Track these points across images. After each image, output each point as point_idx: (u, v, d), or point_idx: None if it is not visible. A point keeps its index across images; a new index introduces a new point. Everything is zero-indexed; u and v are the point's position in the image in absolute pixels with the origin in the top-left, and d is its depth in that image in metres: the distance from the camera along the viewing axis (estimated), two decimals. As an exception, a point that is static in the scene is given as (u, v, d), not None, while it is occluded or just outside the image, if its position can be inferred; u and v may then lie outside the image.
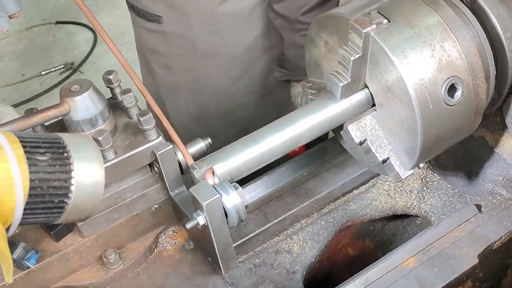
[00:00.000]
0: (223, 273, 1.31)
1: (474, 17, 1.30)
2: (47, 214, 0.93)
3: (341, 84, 1.27)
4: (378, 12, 1.21)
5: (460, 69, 1.23)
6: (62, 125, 1.35)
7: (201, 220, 1.20)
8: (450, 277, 1.38)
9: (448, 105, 1.24)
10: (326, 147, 1.74)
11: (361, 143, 1.34)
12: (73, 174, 0.93)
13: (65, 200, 0.93)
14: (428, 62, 1.21)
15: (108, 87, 1.38)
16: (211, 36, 2.01)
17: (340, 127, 1.37)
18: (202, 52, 2.05)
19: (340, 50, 1.24)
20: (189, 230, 1.40)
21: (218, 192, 1.18)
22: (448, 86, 1.22)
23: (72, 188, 0.93)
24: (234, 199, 1.18)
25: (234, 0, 1.96)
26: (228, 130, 2.17)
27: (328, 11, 1.34)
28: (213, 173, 1.22)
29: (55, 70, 4.66)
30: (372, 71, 1.26)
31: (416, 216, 1.77)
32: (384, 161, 1.35)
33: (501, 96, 1.37)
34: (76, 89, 1.26)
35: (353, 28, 1.20)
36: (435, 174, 1.73)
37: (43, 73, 4.63)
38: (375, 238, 1.87)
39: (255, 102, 2.17)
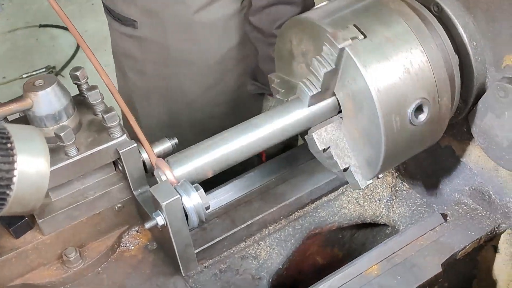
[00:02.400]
0: (183, 274, 1.29)
1: (441, 27, 1.31)
2: None
3: (310, 94, 1.28)
4: (354, 26, 1.21)
5: (428, 89, 1.24)
6: (27, 122, 1.33)
7: (160, 220, 1.19)
8: (413, 285, 1.38)
9: (413, 124, 1.25)
10: (297, 153, 1.74)
11: (324, 150, 1.34)
12: (16, 165, 0.91)
13: (7, 192, 0.92)
14: (399, 82, 1.22)
15: (75, 83, 1.37)
16: (186, 44, 2.01)
17: (306, 131, 1.37)
18: (176, 59, 2.04)
19: (313, 60, 1.24)
20: (152, 231, 1.39)
21: (178, 192, 1.17)
22: (415, 108, 1.23)
23: (15, 179, 0.91)
24: (195, 200, 1.18)
25: (210, 10, 1.95)
26: (199, 139, 2.16)
27: (305, 15, 1.33)
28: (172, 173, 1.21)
29: (36, 74, 4.63)
30: (342, 82, 1.27)
31: (386, 225, 1.77)
32: (345, 170, 1.35)
33: (467, 105, 1.37)
34: (40, 84, 1.25)
35: (329, 41, 1.21)
36: (404, 183, 1.73)
37: (24, 76, 4.60)
38: (344, 247, 1.87)
39: (227, 113, 2.17)
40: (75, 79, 1.35)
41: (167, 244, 1.25)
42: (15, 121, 1.36)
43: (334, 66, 1.23)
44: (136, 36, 2.04)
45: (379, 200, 1.72)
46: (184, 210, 1.18)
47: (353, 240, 1.87)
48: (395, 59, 1.22)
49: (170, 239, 1.22)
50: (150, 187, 1.23)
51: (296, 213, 1.67)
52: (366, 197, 1.72)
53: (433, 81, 1.24)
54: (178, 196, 1.17)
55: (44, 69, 4.64)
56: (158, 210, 1.19)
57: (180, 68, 2.04)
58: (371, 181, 1.35)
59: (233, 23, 2.01)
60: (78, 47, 4.79)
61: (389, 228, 1.78)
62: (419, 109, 1.25)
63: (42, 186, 0.96)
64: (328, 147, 1.34)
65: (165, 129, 2.18)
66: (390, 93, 1.21)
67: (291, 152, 1.76)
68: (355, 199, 1.72)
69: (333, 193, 1.71)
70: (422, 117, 1.25)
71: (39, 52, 4.90)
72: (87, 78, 1.36)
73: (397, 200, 1.72)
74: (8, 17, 5.14)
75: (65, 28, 5.01)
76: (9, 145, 0.92)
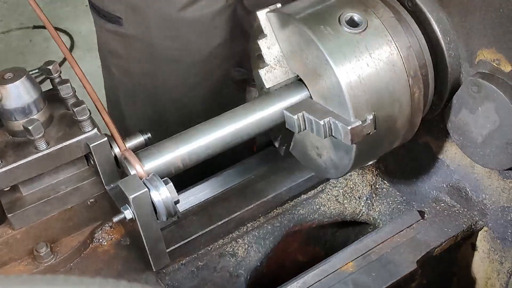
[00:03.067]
0: (154, 269, 1.28)
1: (414, 21, 1.30)
2: None
3: (260, 72, 1.28)
4: None
5: (401, 88, 1.23)
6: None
7: (128, 214, 1.17)
8: (387, 281, 1.37)
9: None
10: (276, 151, 1.73)
11: (299, 121, 1.28)
12: None
13: None
14: (373, 81, 1.21)
15: (47, 77, 1.36)
16: (171, 41, 1.99)
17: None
18: (161, 57, 2.03)
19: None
20: (125, 226, 1.38)
21: (146, 186, 1.16)
22: None
23: None
24: (163, 194, 1.16)
25: (195, 7, 1.94)
26: None
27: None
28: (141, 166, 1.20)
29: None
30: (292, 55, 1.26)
31: (368, 224, 1.76)
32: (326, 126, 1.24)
33: (442, 101, 1.37)
34: (9, 77, 1.24)
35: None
36: (385, 181, 1.72)
37: (18, 76, 4.60)
38: (325, 245, 1.86)
39: (215, 110, 2.15)
40: (47, 73, 1.34)
41: (138, 239, 1.24)
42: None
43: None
44: (121, 33, 2.03)
45: (359, 198, 1.71)
46: (153, 204, 1.17)
47: (335, 238, 1.86)
48: (367, 57, 1.21)
49: (139, 233, 1.21)
50: None
51: (275, 210, 1.66)
52: (346, 195, 1.71)
53: (406, 79, 1.23)
54: (146, 189, 1.16)
55: (37, 70, 4.64)
56: (126, 204, 1.18)
57: (165, 66, 2.03)
58: (359, 122, 1.22)
59: (218, 21, 2.00)
60: (71, 48, 4.79)
61: (371, 227, 1.77)
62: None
63: None
64: (302, 114, 1.28)
65: (152, 126, 2.17)
66: (360, 89, 1.20)
67: (269, 149, 1.75)
68: (335, 196, 1.71)
69: (312, 191, 1.70)
70: None
71: (32, 53, 4.90)
72: (60, 72, 1.36)
73: (377, 198, 1.71)
74: (2, 18, 5.14)
75: (59, 29, 5.03)
76: None
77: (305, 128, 1.26)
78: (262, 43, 1.30)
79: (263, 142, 1.91)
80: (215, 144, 1.28)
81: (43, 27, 5.25)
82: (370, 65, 1.21)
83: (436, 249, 1.43)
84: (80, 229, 1.40)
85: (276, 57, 1.31)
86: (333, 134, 1.22)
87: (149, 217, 1.18)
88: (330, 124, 1.21)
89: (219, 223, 1.57)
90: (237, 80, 2.13)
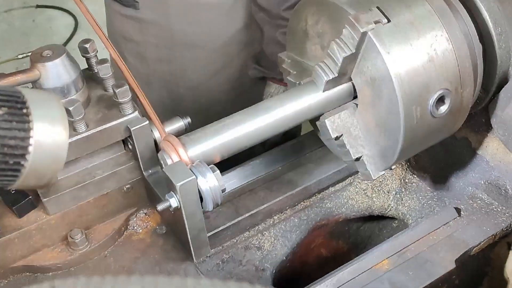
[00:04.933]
0: (195, 260, 1.23)
1: (466, 12, 1.24)
2: None
3: (326, 79, 1.21)
4: (378, 8, 1.14)
5: (451, 79, 1.18)
6: None
7: (173, 202, 1.12)
8: (425, 281, 1.31)
9: (434, 116, 1.19)
10: (304, 141, 1.68)
11: (336, 138, 1.28)
12: (32, 132, 0.82)
13: (22, 162, 0.82)
14: (422, 71, 1.16)
15: (84, 56, 1.30)
16: (190, 26, 1.93)
17: (317, 117, 1.30)
18: (179, 43, 1.97)
19: (332, 43, 1.17)
20: (162, 214, 1.32)
21: (194, 173, 1.10)
22: (437, 99, 1.17)
23: (30, 148, 0.82)
24: (211, 182, 1.11)
25: None
26: (203, 125, 2.09)
27: None
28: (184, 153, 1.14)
29: (32, 55, 4.53)
30: (361, 67, 1.20)
31: (393, 218, 1.71)
32: (356, 159, 1.29)
33: (488, 95, 1.31)
34: (48, 55, 1.17)
35: (350, 24, 1.13)
36: (415, 175, 1.67)
37: (20, 56, 4.51)
38: (349, 239, 1.81)
39: (232, 99, 2.10)
40: (84, 51, 1.27)
41: (179, 228, 1.19)
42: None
43: (354, 51, 1.16)
44: (137, 17, 1.96)
45: (388, 192, 1.66)
46: (199, 192, 1.11)
47: (359, 232, 1.81)
48: (419, 46, 1.16)
49: (183, 222, 1.15)
50: (161, 168, 1.16)
51: (302, 203, 1.60)
52: (375, 188, 1.65)
53: (457, 71, 1.18)
54: (194, 177, 1.10)
55: (38, 52, 4.55)
56: (171, 192, 1.12)
57: (183, 51, 1.97)
58: (383, 172, 1.29)
59: (239, 5, 1.94)
60: (75, 29, 4.70)
61: (396, 221, 1.72)
62: (440, 100, 1.18)
63: (60, 157, 0.86)
64: (341, 135, 1.28)
65: (168, 114, 2.10)
66: (412, 82, 1.15)
67: (298, 140, 1.69)
68: (363, 190, 1.65)
69: (340, 184, 1.65)
70: (443, 108, 1.19)
71: (35, 33, 4.81)
72: (97, 51, 1.29)
73: (407, 192, 1.65)
74: (4, -4, 5.04)
75: (63, 9, 4.93)
76: (24, 110, 0.82)
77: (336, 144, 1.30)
78: None
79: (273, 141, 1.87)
80: (257, 133, 1.22)
81: (47, 6, 5.15)
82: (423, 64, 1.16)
83: (475, 249, 1.38)
84: (115, 215, 1.34)
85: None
86: (357, 167, 1.29)
87: (194, 206, 1.13)
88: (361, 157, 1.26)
89: (246, 215, 1.51)
90: (255, 77, 2.07)
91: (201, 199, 1.13)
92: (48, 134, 0.84)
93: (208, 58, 1.99)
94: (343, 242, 1.80)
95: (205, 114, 2.10)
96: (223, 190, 1.13)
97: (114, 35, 2.09)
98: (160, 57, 2.01)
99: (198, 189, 1.11)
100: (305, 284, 1.38)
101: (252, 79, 2.08)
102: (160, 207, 1.13)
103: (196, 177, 1.10)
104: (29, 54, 4.76)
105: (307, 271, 1.78)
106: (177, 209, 1.13)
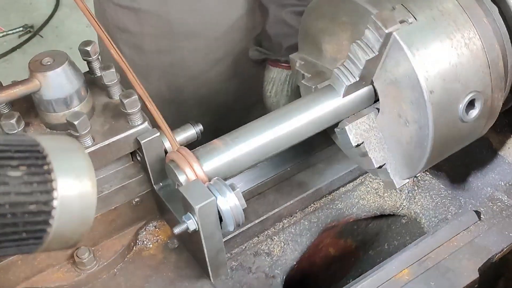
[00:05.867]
0: (212, 280, 1.15)
1: (496, 8, 1.16)
2: (20, 247, 0.71)
3: (347, 83, 1.13)
4: (402, 5, 1.05)
5: (482, 81, 1.11)
6: (30, 102, 1.14)
7: (191, 225, 1.03)
8: (448, 292, 1.26)
9: (463, 121, 1.12)
10: (313, 140, 1.59)
11: (357, 145, 1.20)
12: (55, 193, 0.70)
13: (45, 229, 0.71)
14: (451, 74, 1.08)
15: (85, 60, 1.19)
16: (190, 15, 1.83)
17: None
18: (179, 32, 1.86)
19: (353, 45, 1.08)
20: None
21: (212, 193, 1.02)
22: (467, 103, 1.10)
23: (54, 212, 0.70)
24: (231, 202, 1.02)
25: None
26: (204, 117, 1.99)
27: None
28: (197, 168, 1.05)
29: (13, 33, 4.36)
30: (384, 70, 1.11)
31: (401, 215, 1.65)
32: (379, 167, 1.22)
33: (515, 97, 1.24)
34: (49, 63, 1.07)
35: (374, 25, 1.04)
36: (428, 173, 1.60)
37: (0, 35, 4.33)
38: (357, 237, 1.75)
39: (235, 89, 2.00)
40: (85, 54, 1.17)
41: (196, 249, 1.10)
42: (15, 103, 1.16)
43: (377, 53, 1.07)
44: (133, 7, 1.85)
45: (400, 191, 1.59)
46: (219, 213, 1.03)
47: (367, 230, 1.75)
48: (448, 47, 1.07)
49: (200, 244, 1.07)
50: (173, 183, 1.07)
51: (312, 205, 1.53)
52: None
53: (488, 73, 1.10)
54: (213, 198, 1.01)
55: (21, 28, 4.38)
56: (189, 213, 1.03)
57: (183, 41, 1.87)
58: (407, 180, 1.21)
59: None
60: (57, 5, 4.52)
61: (405, 218, 1.66)
62: (470, 104, 1.11)
63: (87, 218, 0.74)
64: (362, 142, 1.20)
65: (166, 106, 2.01)
66: (441, 86, 1.07)
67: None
68: (375, 189, 1.59)
69: (351, 184, 1.58)
70: (473, 113, 1.12)
71: (15, 9, 4.62)
72: (99, 54, 1.18)
73: (420, 191, 1.59)
74: (-20, -30, 4.81)
75: (42, -15, 4.73)
76: (45, 167, 0.69)
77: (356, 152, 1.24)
78: None
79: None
80: (275, 143, 1.14)
81: (27, -20, 4.80)
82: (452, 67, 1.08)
83: (498, 255, 1.32)
84: (123, 230, 1.26)
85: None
86: (379, 175, 1.24)
87: (213, 227, 1.04)
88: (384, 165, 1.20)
89: (256, 221, 1.44)
90: (256, 59, 1.97)
91: (220, 219, 1.05)
92: (73, 194, 0.72)
93: (209, 47, 1.89)
94: (351, 240, 1.75)
95: (206, 104, 2.01)
96: (245, 209, 1.04)
97: (107, 25, 1.97)
98: (158, 48, 1.92)
99: (218, 210, 1.03)
100: (312, 284, 1.32)
101: (253, 67, 1.98)
102: (177, 230, 1.04)
103: (216, 197, 1.02)
104: (10, 32, 4.57)
105: (314, 271, 1.72)
106: (195, 232, 1.05)
